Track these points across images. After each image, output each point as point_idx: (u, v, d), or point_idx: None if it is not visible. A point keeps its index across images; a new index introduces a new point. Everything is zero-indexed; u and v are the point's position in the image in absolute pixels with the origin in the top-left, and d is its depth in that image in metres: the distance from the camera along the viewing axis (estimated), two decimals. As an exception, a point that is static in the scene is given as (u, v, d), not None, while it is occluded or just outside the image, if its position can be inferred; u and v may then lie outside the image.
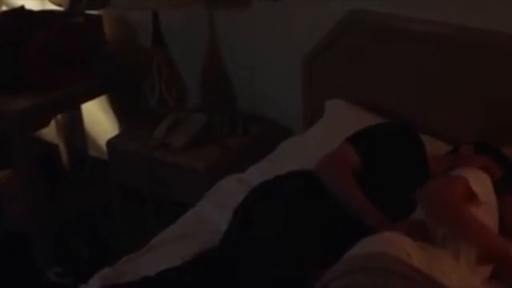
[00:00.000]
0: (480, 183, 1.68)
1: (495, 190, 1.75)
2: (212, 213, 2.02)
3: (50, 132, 3.41)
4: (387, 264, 1.41)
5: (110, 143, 2.77)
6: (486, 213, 1.65)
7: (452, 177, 1.70)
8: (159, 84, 2.67)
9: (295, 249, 1.64)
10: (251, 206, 1.82)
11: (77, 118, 3.41)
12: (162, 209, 2.78)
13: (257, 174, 2.16)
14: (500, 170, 1.83)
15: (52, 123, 3.08)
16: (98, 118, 3.36)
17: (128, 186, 2.77)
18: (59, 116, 3.29)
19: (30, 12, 2.97)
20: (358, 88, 2.37)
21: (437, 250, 1.53)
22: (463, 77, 2.15)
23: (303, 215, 1.72)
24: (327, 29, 2.35)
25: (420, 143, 1.93)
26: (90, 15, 2.94)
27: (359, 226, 1.64)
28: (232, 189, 2.11)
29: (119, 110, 3.29)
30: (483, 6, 2.09)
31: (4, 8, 3.29)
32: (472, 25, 2.09)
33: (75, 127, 3.44)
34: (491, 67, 2.09)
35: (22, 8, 3.01)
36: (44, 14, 2.93)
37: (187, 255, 1.78)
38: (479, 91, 2.13)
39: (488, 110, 2.13)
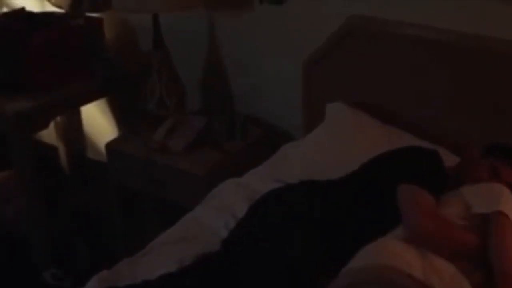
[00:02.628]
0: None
1: None
2: (211, 217, 2.01)
3: (49, 134, 3.40)
4: (387, 277, 1.40)
5: (109, 145, 2.76)
6: None
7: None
8: (159, 87, 2.66)
9: (300, 255, 1.63)
10: (257, 213, 1.82)
11: (76, 120, 3.40)
12: (160, 212, 2.78)
13: (256, 178, 2.16)
14: None
15: (51, 125, 3.08)
16: (98, 120, 3.36)
17: (127, 188, 2.76)
18: (58, 118, 3.29)
19: (31, 13, 2.97)
20: (359, 92, 2.37)
21: (440, 260, 1.52)
22: (463, 81, 2.15)
23: (310, 222, 1.71)
24: (327, 33, 2.36)
25: (444, 173, 1.84)
26: (90, 17, 2.94)
27: (367, 238, 1.58)
28: (231, 193, 2.10)
29: (119, 112, 3.29)
30: (483, 14, 2.10)
31: (4, 9, 3.30)
32: (473, 32, 2.10)
33: (74, 129, 3.43)
34: (491, 72, 2.09)
35: (22, 9, 3.01)
36: (44, 16, 2.92)
37: (185, 258, 1.77)
38: (479, 96, 2.13)
39: (488, 114, 2.13)
